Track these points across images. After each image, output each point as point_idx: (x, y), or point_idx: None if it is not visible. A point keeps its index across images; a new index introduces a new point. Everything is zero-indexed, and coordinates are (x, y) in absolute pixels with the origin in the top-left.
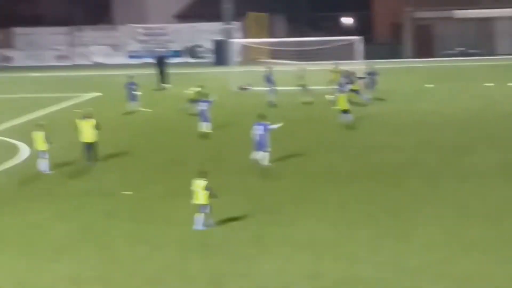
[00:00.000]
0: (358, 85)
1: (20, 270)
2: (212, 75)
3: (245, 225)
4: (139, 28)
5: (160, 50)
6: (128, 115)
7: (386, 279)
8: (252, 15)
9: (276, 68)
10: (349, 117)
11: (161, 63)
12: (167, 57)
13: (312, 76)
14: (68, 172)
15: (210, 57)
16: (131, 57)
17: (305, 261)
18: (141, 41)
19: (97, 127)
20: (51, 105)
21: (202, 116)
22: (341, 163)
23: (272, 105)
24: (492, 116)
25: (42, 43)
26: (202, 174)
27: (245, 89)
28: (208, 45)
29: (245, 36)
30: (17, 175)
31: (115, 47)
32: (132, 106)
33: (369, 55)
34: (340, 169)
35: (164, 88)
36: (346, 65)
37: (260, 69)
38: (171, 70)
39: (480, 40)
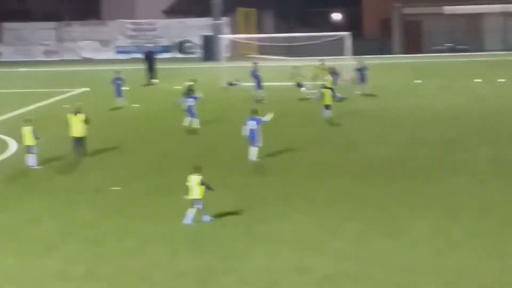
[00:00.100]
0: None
1: (8, 266)
2: (201, 71)
3: (233, 221)
4: (127, 23)
5: (149, 45)
6: (116, 110)
7: (374, 275)
8: (241, 10)
9: (265, 63)
10: (328, 113)
11: (149, 58)
12: (156, 52)
13: (306, 72)
14: (57, 167)
15: (198, 53)
16: (119, 52)
17: (293, 257)
18: (130, 37)
19: (86, 121)
20: (39, 100)
21: (189, 111)
22: (330, 159)
23: (257, 100)
24: (481, 112)
25: (31, 38)
26: (196, 169)
27: (233, 84)
28: (197, 40)
29: (234, 32)
30: (5, 170)
31: (104, 42)
32: (119, 101)
33: (358, 51)
34: (329, 164)
35: (152, 84)
36: (335, 61)
37: (249, 64)
38: (159, 66)
39: (469, 36)
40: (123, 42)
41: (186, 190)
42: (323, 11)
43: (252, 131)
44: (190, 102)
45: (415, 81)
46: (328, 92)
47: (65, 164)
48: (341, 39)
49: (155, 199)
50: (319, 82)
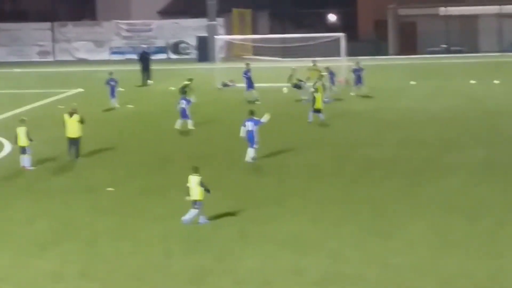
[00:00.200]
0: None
1: (2, 265)
2: (196, 72)
3: (228, 221)
4: (122, 24)
5: (144, 46)
6: (110, 111)
7: (369, 276)
8: (236, 11)
9: (260, 64)
10: (321, 116)
11: (144, 59)
12: (151, 53)
13: (302, 74)
14: (51, 168)
15: (193, 54)
16: (113, 53)
17: (288, 258)
18: (125, 37)
19: (81, 121)
20: (33, 101)
21: (181, 114)
22: (325, 160)
23: (250, 101)
24: (476, 113)
25: (25, 39)
26: (195, 170)
27: (228, 85)
28: (192, 41)
29: (229, 33)
30: None
31: (99, 43)
32: (113, 102)
33: (353, 52)
34: (324, 166)
35: (147, 84)
36: (330, 62)
37: (244, 66)
38: (154, 67)
39: (464, 37)
40: (118, 43)
41: (186, 191)
42: (318, 12)
43: (249, 132)
44: (183, 104)
45: (410, 82)
46: (319, 97)
47: (59, 164)
48: (336, 40)
49: (150, 199)
50: (312, 83)
